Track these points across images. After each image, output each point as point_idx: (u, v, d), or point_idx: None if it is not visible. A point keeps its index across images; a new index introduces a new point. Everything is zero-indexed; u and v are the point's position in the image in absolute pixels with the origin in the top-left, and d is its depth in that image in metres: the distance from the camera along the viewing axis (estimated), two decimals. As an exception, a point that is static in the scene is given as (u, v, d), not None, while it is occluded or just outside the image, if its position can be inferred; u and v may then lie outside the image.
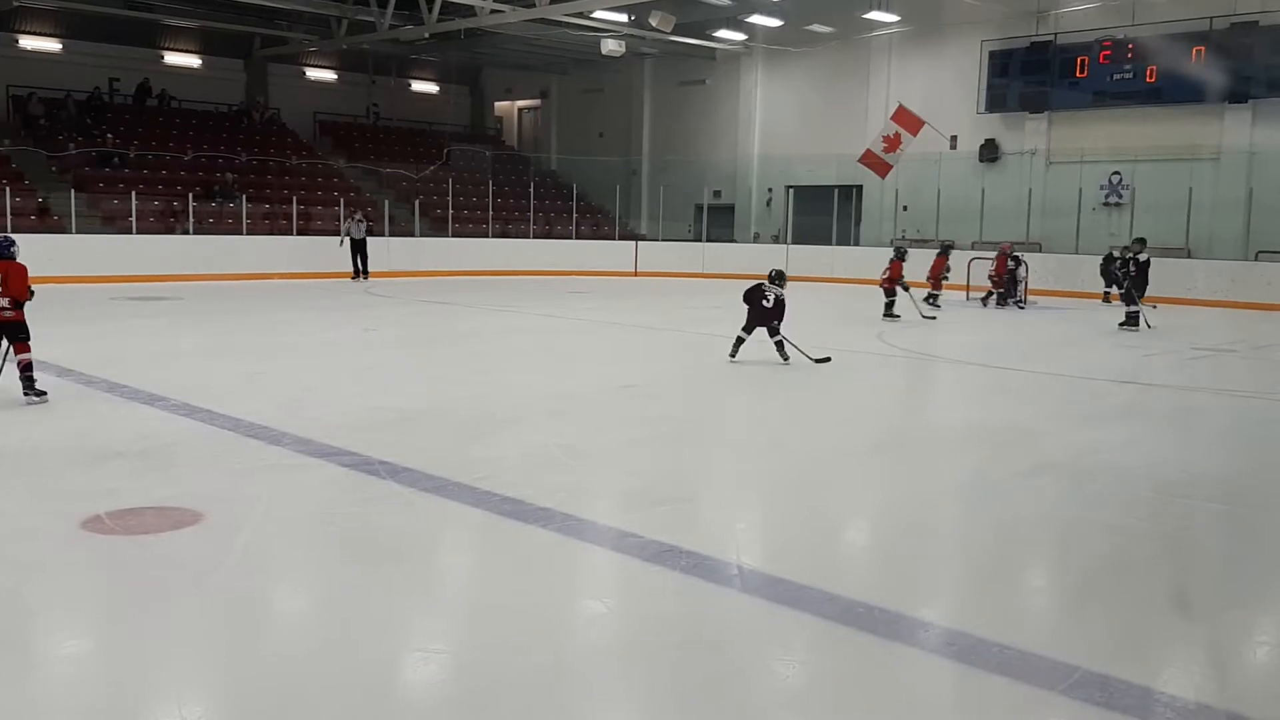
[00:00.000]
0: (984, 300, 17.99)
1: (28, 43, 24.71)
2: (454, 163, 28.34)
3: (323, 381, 9.20)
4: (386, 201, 24.15)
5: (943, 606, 4.25)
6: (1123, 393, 9.78)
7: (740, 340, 10.31)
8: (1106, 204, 21.97)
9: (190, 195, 21.40)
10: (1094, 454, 6.90)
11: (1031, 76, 22.70)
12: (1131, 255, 14.91)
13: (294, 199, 22.63)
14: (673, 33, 23.02)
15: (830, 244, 24.65)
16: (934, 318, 15.58)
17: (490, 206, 26.38)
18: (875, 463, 6.84)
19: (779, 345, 10.20)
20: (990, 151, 23.55)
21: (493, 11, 21.24)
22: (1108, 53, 21.45)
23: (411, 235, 24.10)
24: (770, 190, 27.68)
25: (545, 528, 4.94)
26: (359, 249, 21.10)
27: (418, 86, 32.08)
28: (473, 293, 19.10)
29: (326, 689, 3.34)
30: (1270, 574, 4.82)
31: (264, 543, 4.77)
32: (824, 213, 24.92)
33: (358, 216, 21.38)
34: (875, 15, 23.21)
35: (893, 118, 22.39)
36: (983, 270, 18.46)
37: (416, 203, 24.62)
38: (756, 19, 23.77)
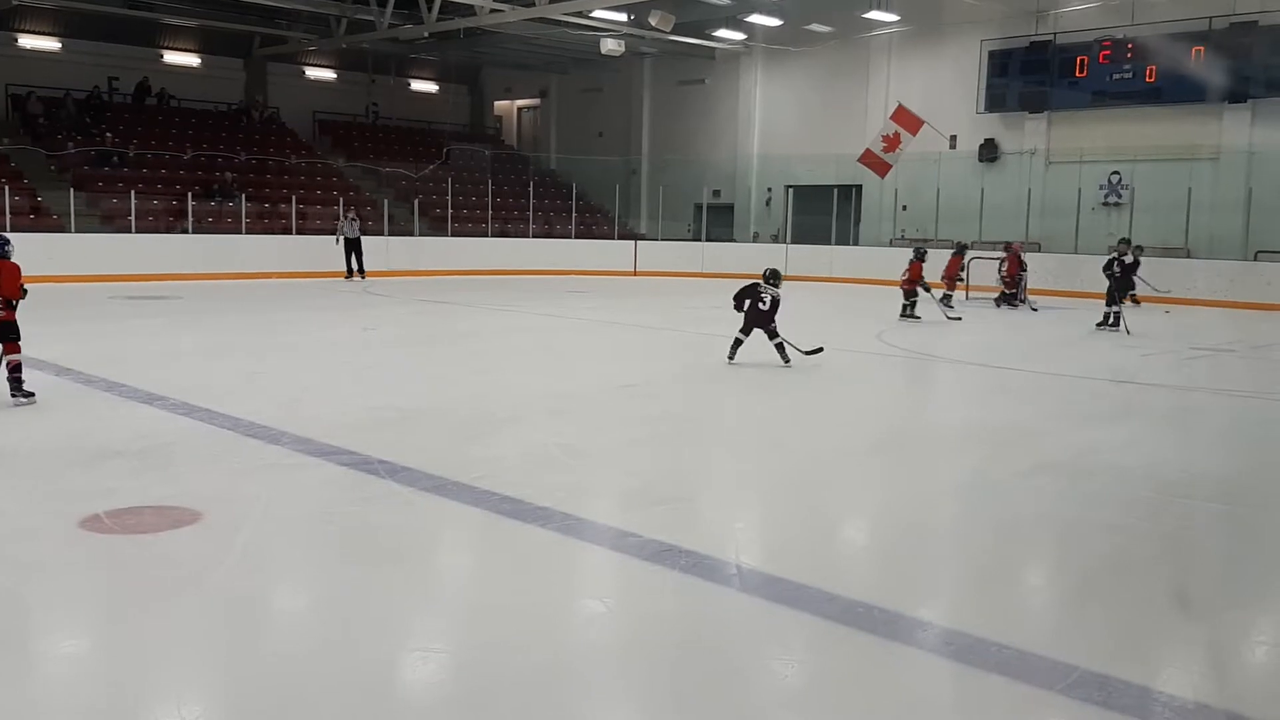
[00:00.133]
0: (998, 301, 17.91)
1: (27, 41, 24.69)
2: (453, 162, 28.32)
3: (322, 381, 9.20)
4: (386, 201, 24.14)
5: (942, 606, 4.25)
6: (1122, 393, 9.78)
7: (738, 342, 10.17)
8: (1106, 204, 21.98)
9: (189, 194, 21.37)
10: (1093, 454, 6.90)
11: (1031, 76, 22.70)
12: (1117, 256, 14.71)
13: (293, 198, 22.63)
14: (672, 32, 23.01)
15: (830, 243, 24.65)
16: (959, 318, 15.53)
17: (489, 206, 26.37)
18: (875, 462, 6.84)
19: (779, 348, 10.06)
20: (990, 151, 23.55)
21: (492, 11, 21.23)
22: (1107, 53, 21.46)
23: (411, 235, 24.09)
24: (770, 190, 27.69)
25: (544, 527, 4.94)
26: (353, 248, 21.01)
27: (417, 86, 32.08)
28: (472, 292, 19.09)
29: (326, 688, 3.34)
30: (1270, 574, 4.83)
31: (263, 542, 4.76)
32: (823, 212, 24.92)
33: (351, 215, 21.30)
34: (875, 15, 23.21)
35: (892, 117, 22.42)
36: (983, 270, 18.45)
37: (416, 202, 24.61)
38: (756, 18, 23.76)
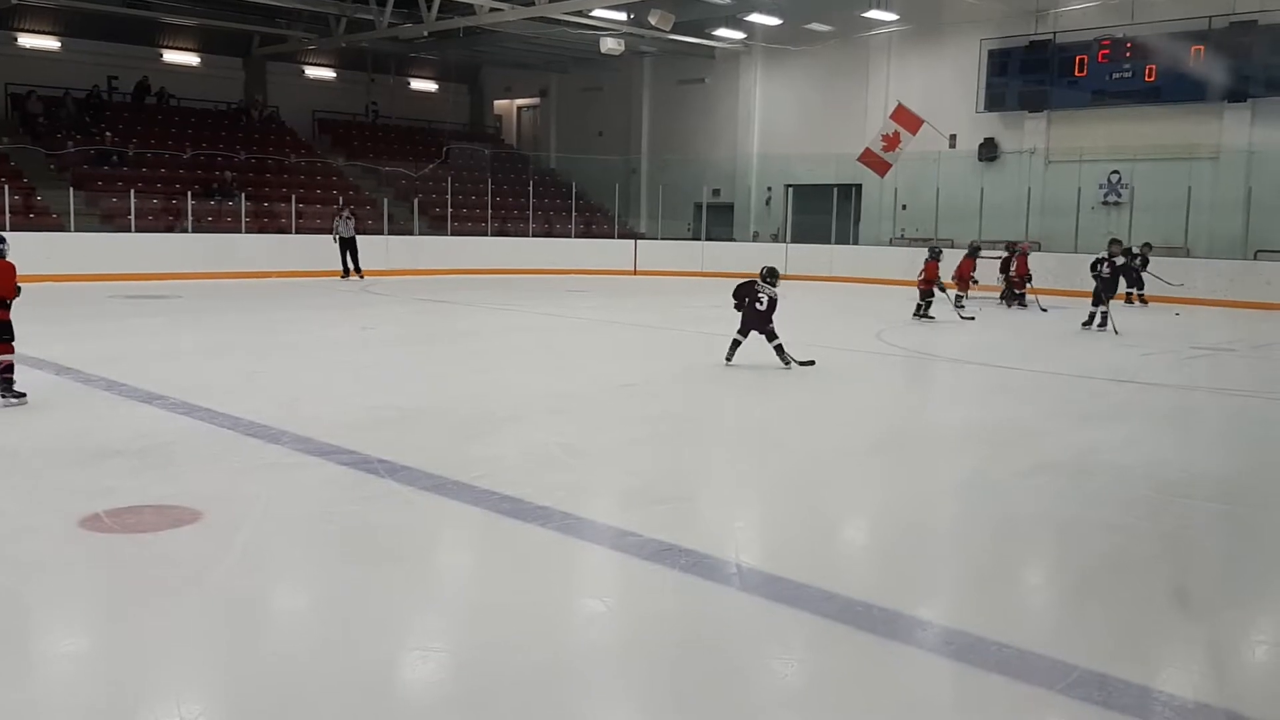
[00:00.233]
0: (1008, 300, 17.81)
1: (26, 41, 24.68)
2: (453, 161, 28.31)
3: (322, 380, 9.20)
4: (385, 200, 24.14)
5: (941, 605, 4.25)
6: (1122, 392, 9.78)
7: (736, 343, 10.00)
8: (1105, 203, 21.98)
9: (189, 193, 21.36)
10: (1093, 453, 6.90)
11: (1030, 75, 22.70)
12: (1106, 256, 14.53)
13: (293, 197, 22.63)
14: (672, 31, 23.00)
15: (829, 243, 24.65)
16: (972, 318, 15.51)
17: (489, 205, 26.37)
18: (874, 462, 6.84)
19: (779, 350, 9.89)
20: (989, 150, 23.55)
21: (492, 10, 21.22)
22: (1106, 52, 21.46)
23: (410, 234, 24.09)
24: (769, 189, 27.69)
25: (544, 526, 4.94)
26: (348, 247, 20.93)
27: (417, 85, 32.07)
28: (472, 291, 19.09)
29: (326, 688, 3.34)
30: (1269, 573, 4.83)
31: (263, 541, 4.76)
32: (823, 211, 24.92)
33: (346, 214, 21.25)
34: (874, 14, 23.20)
35: (892, 116, 22.43)
36: (985, 269, 18.41)
37: (415, 201, 24.61)
38: (756, 18, 23.76)
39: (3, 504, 5.21)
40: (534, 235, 26.08)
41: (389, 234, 23.31)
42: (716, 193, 28.48)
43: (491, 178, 27.88)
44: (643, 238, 27.45)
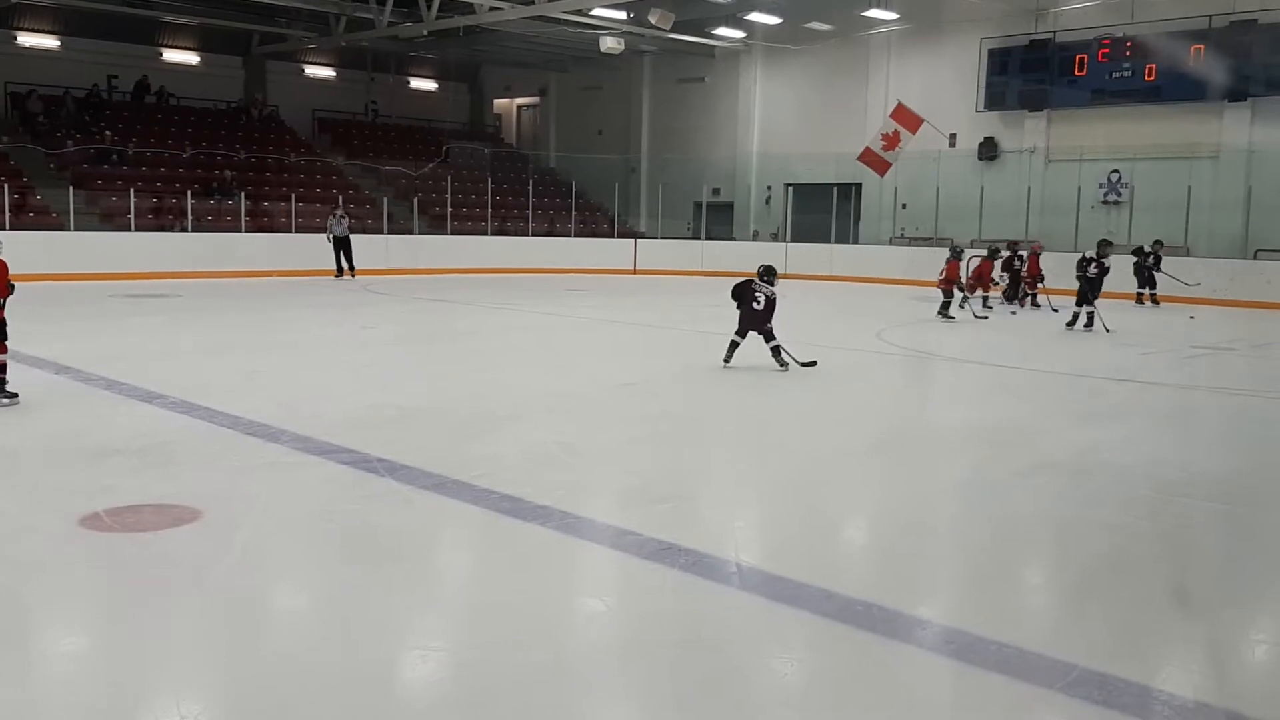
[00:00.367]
0: (1020, 301, 17.78)
1: (26, 40, 24.68)
2: (453, 160, 28.31)
3: (321, 379, 9.20)
4: (385, 199, 24.14)
5: (941, 604, 4.25)
6: (1121, 391, 9.78)
7: (734, 345, 9.79)
8: (1105, 202, 21.98)
9: (189, 192, 21.35)
10: (1093, 452, 6.90)
11: (1030, 75, 22.70)
12: (1095, 257, 14.31)
13: (293, 196, 22.62)
14: (672, 30, 23.00)
15: (829, 242, 24.65)
16: (985, 317, 15.52)
17: (489, 204, 26.37)
18: (874, 461, 6.84)
19: (775, 351, 9.66)
20: (989, 149, 23.55)
21: (491, 9, 21.22)
22: (1106, 51, 21.46)
23: (410, 233, 24.09)
24: (769, 188, 27.68)
25: (544, 525, 4.94)
26: (342, 246, 20.89)
27: (416, 84, 32.07)
28: (471, 290, 19.09)
29: (326, 687, 3.34)
30: (1269, 573, 4.83)
31: (263, 540, 4.76)
32: (823, 210, 24.92)
33: (339, 213, 21.21)
34: (874, 13, 23.19)
35: (892, 115, 22.44)
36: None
37: (415, 200, 24.61)
38: (756, 16, 23.75)
39: (2, 503, 5.21)
40: (534, 234, 26.08)
41: (389, 233, 23.31)
42: (716, 192, 28.48)
43: (491, 177, 27.88)
44: (642, 237, 27.44)
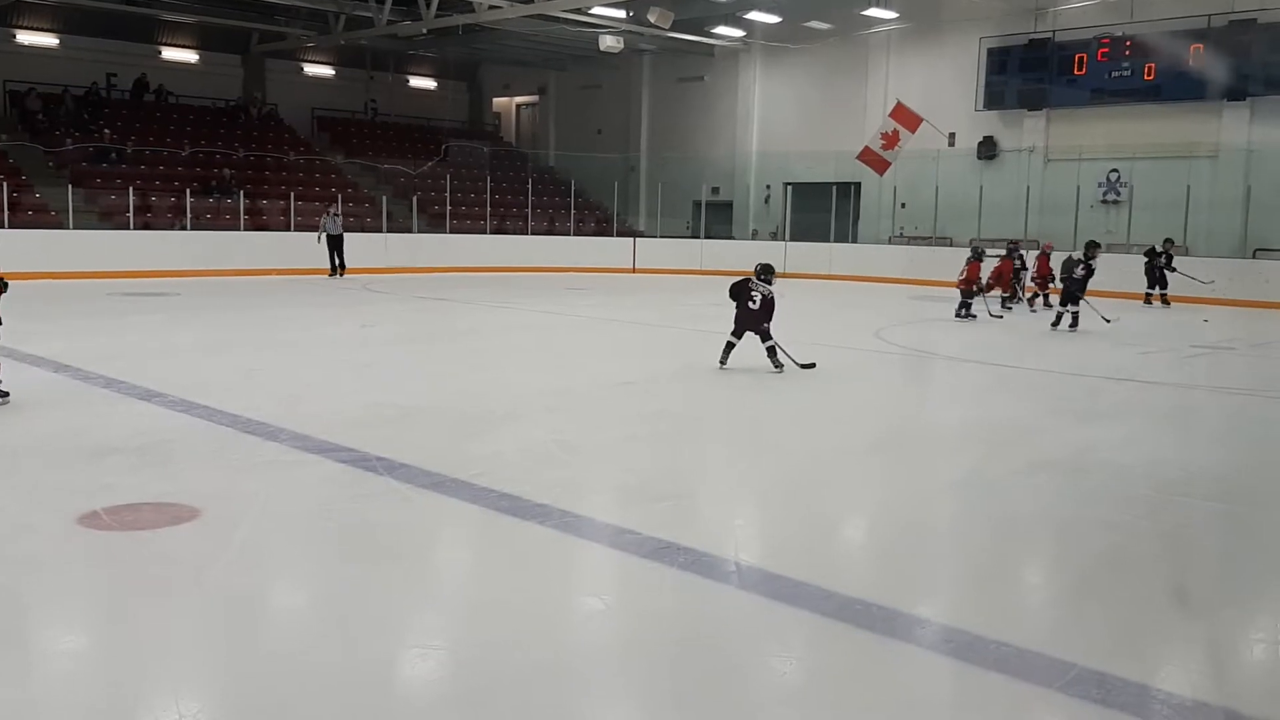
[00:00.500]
0: (1030, 301, 17.71)
1: (25, 38, 24.67)
2: (452, 159, 28.31)
3: (321, 378, 9.20)
4: (384, 198, 24.14)
5: (940, 603, 4.25)
6: (1121, 390, 9.78)
7: (730, 345, 9.61)
8: (1104, 201, 21.98)
9: (188, 191, 21.36)
10: (1092, 452, 6.90)
11: (1030, 74, 22.71)
12: (1083, 259, 14.17)
13: (291, 195, 22.62)
14: (671, 29, 22.99)
15: (828, 241, 24.65)
16: (1000, 316, 15.53)
17: (488, 203, 26.38)
18: (873, 460, 6.84)
19: (770, 352, 9.47)
20: (988, 149, 23.56)
21: (491, 7, 21.21)
22: (1106, 50, 21.47)
23: (409, 231, 24.09)
24: (769, 187, 27.69)
25: (543, 524, 4.94)
26: (335, 245, 20.89)
27: (415, 82, 32.06)
28: (471, 289, 19.09)
29: (325, 686, 3.33)
30: (1268, 572, 4.83)
31: (261, 539, 4.76)
32: (822, 210, 24.92)
33: (333, 211, 21.19)
34: (874, 12, 23.20)
35: (891, 115, 22.43)
36: (984, 268, 18.39)
37: (414, 199, 24.61)
38: (755, 15, 23.76)
39: (1, 501, 5.21)
40: (533, 233, 26.07)
41: (388, 232, 23.30)
42: (715, 191, 28.48)
43: (490, 175, 27.89)
44: (642, 236, 27.45)
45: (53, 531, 4.74)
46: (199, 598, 4.03)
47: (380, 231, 23.17)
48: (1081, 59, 21.78)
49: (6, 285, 7.30)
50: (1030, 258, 17.74)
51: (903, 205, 24.69)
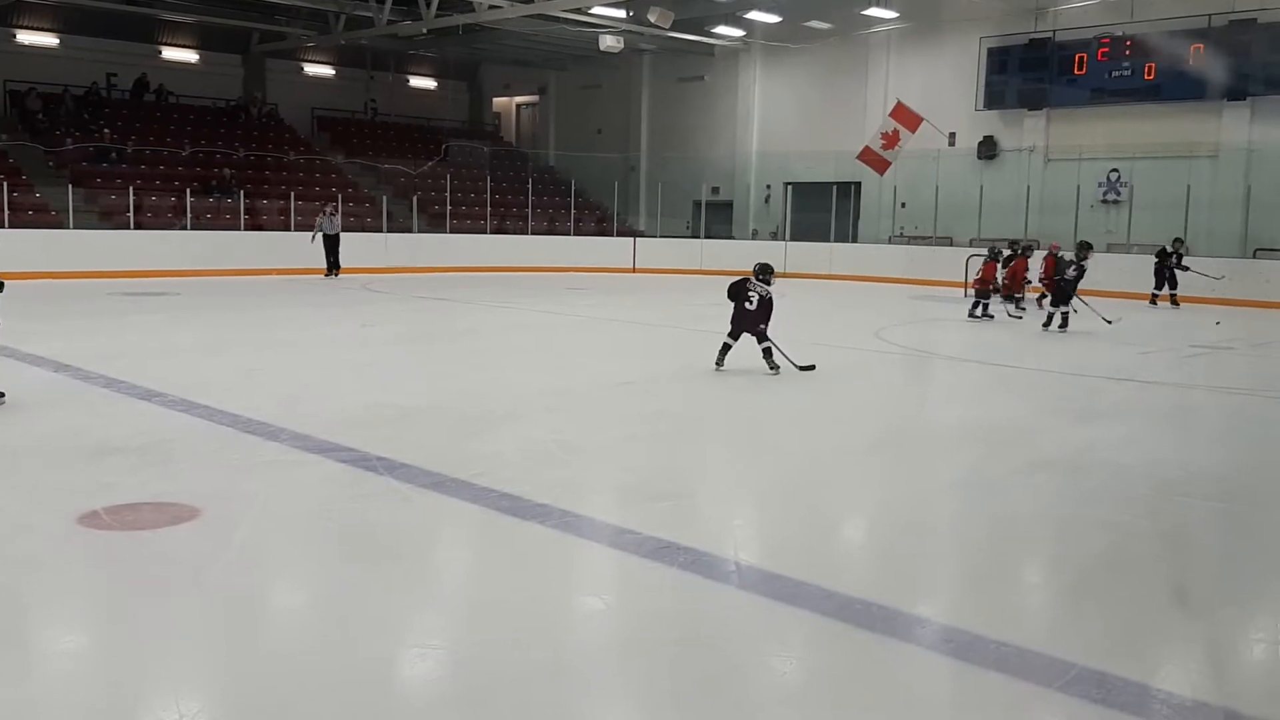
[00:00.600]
0: (1039, 301, 17.60)
1: (25, 37, 24.67)
2: (452, 159, 28.31)
3: (321, 377, 9.20)
4: (384, 198, 24.14)
5: (940, 603, 4.25)
6: (1120, 390, 9.78)
7: (726, 347, 9.46)
8: (1105, 201, 21.98)
9: (188, 191, 21.37)
10: (1091, 451, 6.91)
11: (1030, 73, 22.70)
12: (1075, 260, 14.05)
13: (292, 195, 22.62)
14: (671, 29, 22.98)
15: (828, 241, 24.65)
16: (1019, 317, 15.51)
17: (488, 203, 26.38)
18: (873, 460, 6.84)
19: (766, 353, 9.31)
20: (989, 148, 23.55)
21: (491, 7, 21.21)
22: (1106, 50, 21.46)
23: (409, 231, 24.09)
24: (769, 187, 27.69)
25: (543, 524, 4.94)
26: (332, 245, 20.85)
27: (416, 82, 32.06)
28: (471, 289, 19.09)
29: (325, 686, 3.33)
30: (1267, 571, 4.83)
31: (261, 539, 4.76)
32: (822, 209, 24.93)
33: (329, 211, 21.18)
34: (874, 11, 23.20)
35: (891, 114, 22.43)
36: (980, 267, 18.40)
37: (414, 199, 24.61)
38: (755, 15, 23.75)
39: (1, 501, 5.21)
40: (533, 233, 26.07)
41: (388, 231, 23.29)
42: (716, 190, 28.48)
43: (490, 175, 27.89)
44: (642, 235, 27.45)
45: (53, 531, 4.74)
46: (199, 598, 4.03)
47: (380, 231, 23.17)
48: (1082, 59, 21.77)
49: (2, 285, 7.29)
50: (1038, 257, 17.68)
51: (903, 205, 24.69)
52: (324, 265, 20.77)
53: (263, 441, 6.47)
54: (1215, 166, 20.53)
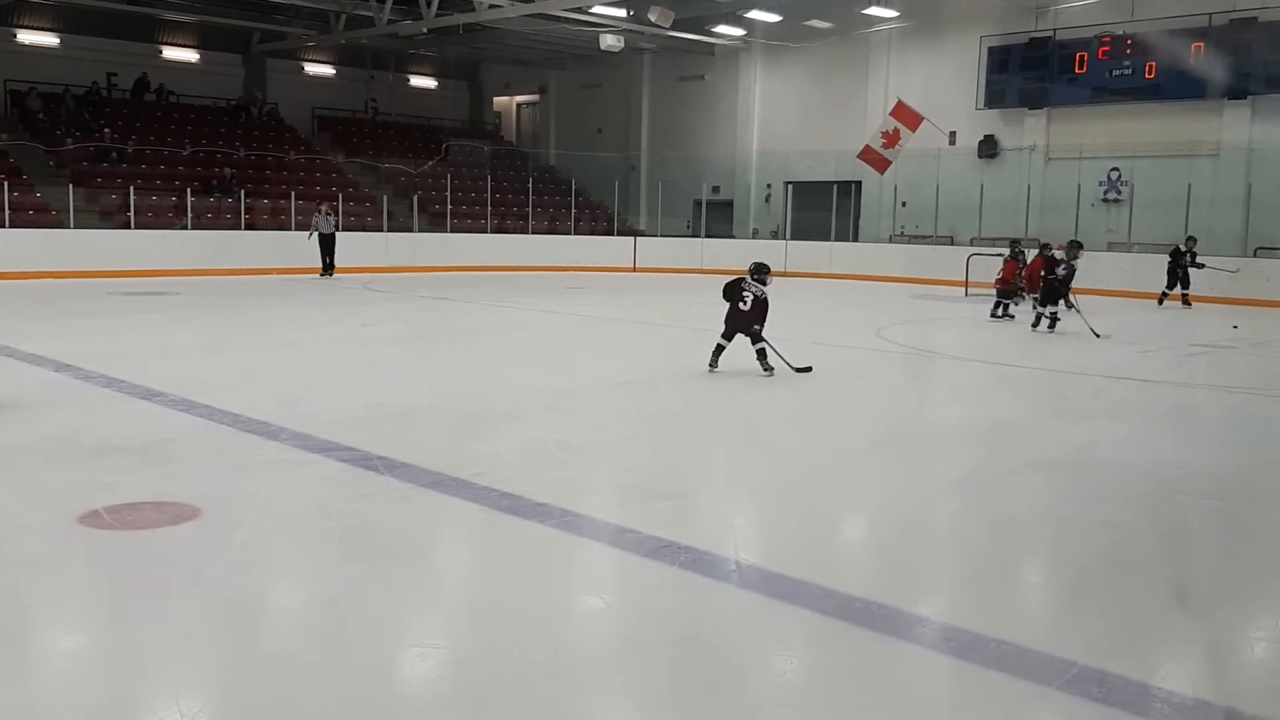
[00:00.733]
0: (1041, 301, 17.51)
1: (26, 37, 24.68)
2: (452, 158, 28.31)
3: (321, 377, 9.20)
4: (385, 197, 24.15)
5: (940, 602, 4.25)
6: (1120, 389, 9.78)
7: (720, 348, 9.31)
8: (1105, 200, 21.98)
9: (188, 190, 21.38)
10: (1091, 450, 6.90)
11: (1030, 72, 22.70)
12: (1065, 259, 13.82)
13: (292, 194, 22.62)
14: (671, 28, 22.98)
15: (829, 240, 24.65)
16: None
17: (489, 202, 26.38)
18: (873, 459, 6.83)
19: (760, 354, 9.15)
20: (989, 147, 23.55)
21: (491, 6, 21.21)
22: (1106, 49, 21.46)
23: (409, 231, 24.09)
24: (769, 186, 27.69)
25: (543, 523, 4.94)
26: (327, 244, 20.83)
27: (416, 81, 32.07)
28: (471, 288, 19.09)
29: (325, 685, 3.33)
30: (1268, 570, 4.83)
31: (262, 538, 4.76)
32: (823, 208, 24.93)
33: (325, 210, 21.16)
34: (874, 11, 23.21)
35: (892, 113, 22.43)
36: (984, 267, 18.37)
37: (415, 198, 24.61)
38: (755, 14, 23.75)
39: (1, 501, 5.21)
40: (533, 232, 26.08)
41: (388, 231, 23.29)
42: (716, 190, 28.48)
43: (491, 175, 27.89)
44: (642, 235, 27.45)
45: (53, 531, 4.74)
46: (199, 597, 4.03)
47: (381, 231, 23.17)
48: (1082, 57, 21.77)
49: None
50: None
51: (903, 204, 24.69)
52: (319, 265, 20.76)
53: (263, 441, 6.47)
54: (1216, 165, 20.52)
